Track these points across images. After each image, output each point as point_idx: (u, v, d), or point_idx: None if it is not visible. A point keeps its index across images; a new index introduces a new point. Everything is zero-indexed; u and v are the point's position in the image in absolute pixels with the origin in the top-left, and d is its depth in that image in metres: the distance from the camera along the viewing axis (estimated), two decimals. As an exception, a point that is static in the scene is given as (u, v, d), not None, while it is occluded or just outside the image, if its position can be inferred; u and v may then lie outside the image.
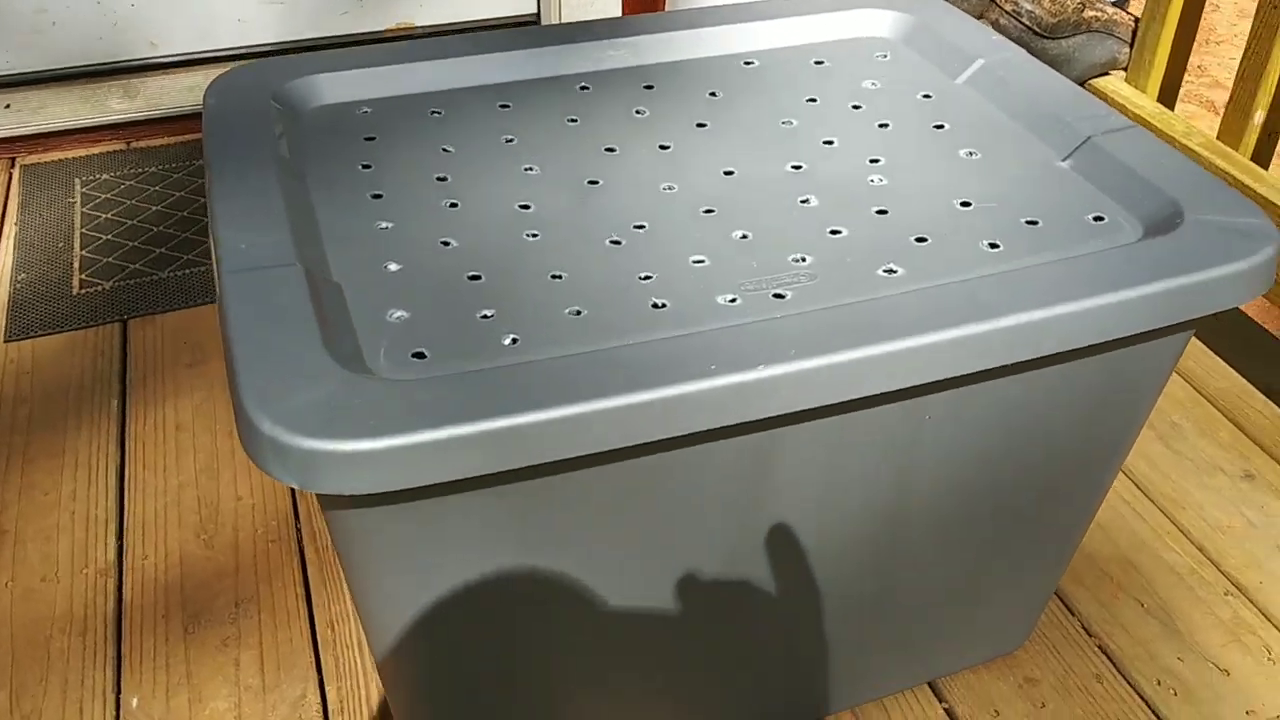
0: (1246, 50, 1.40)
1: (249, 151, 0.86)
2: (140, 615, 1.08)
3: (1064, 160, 0.91)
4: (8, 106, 1.81)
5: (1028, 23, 1.54)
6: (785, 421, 0.71)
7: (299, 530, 1.18)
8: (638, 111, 0.98)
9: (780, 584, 0.85)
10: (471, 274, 0.77)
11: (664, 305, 0.75)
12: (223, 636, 1.07)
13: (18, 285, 1.52)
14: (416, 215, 0.83)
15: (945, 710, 1.02)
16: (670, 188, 0.88)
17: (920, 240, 0.82)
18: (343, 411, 0.61)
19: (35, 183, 1.74)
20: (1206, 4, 1.52)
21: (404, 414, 0.61)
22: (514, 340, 0.71)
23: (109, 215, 1.66)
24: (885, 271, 0.78)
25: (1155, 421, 1.33)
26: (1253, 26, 1.38)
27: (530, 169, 0.89)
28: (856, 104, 0.99)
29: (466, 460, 0.61)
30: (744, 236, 0.83)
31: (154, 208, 1.68)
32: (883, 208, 0.86)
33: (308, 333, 0.67)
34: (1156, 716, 1.01)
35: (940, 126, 0.96)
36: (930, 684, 1.04)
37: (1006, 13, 1.53)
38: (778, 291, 0.76)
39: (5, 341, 1.42)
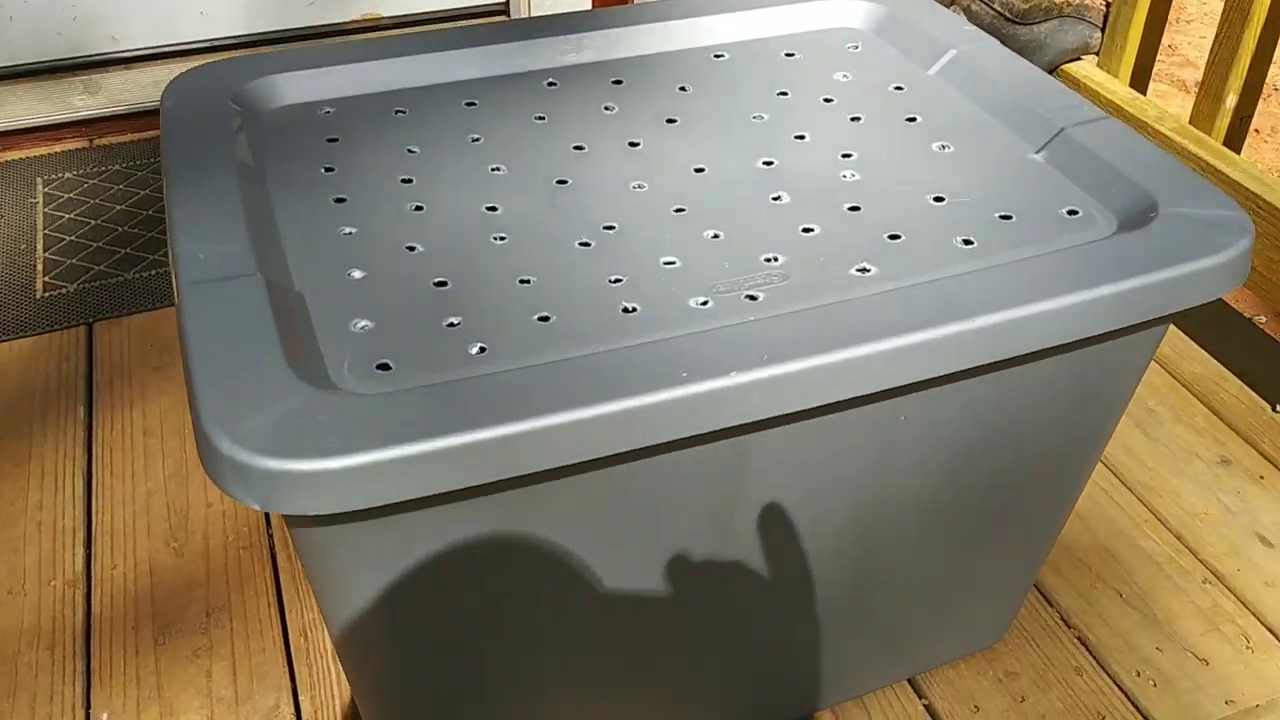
0: (1218, 34, 1.39)
1: (208, 156, 0.84)
2: (110, 627, 1.07)
3: (1037, 153, 0.90)
4: (-34, 105, 1.78)
5: (999, 9, 1.53)
6: (758, 427, 0.70)
7: (270, 536, 1.16)
8: (606, 108, 0.96)
9: (756, 587, 0.84)
10: (438, 280, 0.75)
11: (634, 309, 0.73)
12: (194, 647, 1.05)
13: (-21, 289, 1.50)
14: (381, 220, 0.81)
15: (925, 707, 1.01)
16: (640, 186, 0.87)
17: (893, 238, 0.81)
18: (304, 429, 0.59)
19: (-4, 183, 1.71)
20: (1177, -13, 1.51)
21: (367, 431, 0.60)
22: (481, 349, 0.69)
23: (72, 215, 1.64)
24: (858, 271, 0.77)
25: (1131, 408, 1.33)
26: (1224, 10, 1.38)
27: (497, 169, 0.88)
28: (828, 97, 0.98)
29: (432, 477, 0.60)
30: (715, 236, 0.81)
31: (118, 207, 1.65)
32: (855, 204, 0.84)
33: (268, 347, 0.65)
34: (1136, 708, 1.01)
35: (912, 119, 0.95)
36: (910, 680, 1.03)
37: (979, 0, 1.53)
38: (750, 293, 0.75)
39: (-33, 347, 1.40)
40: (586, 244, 0.80)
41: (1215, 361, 1.40)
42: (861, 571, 0.88)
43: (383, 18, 1.97)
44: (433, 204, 0.83)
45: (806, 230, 0.82)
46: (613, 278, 0.76)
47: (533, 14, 2.00)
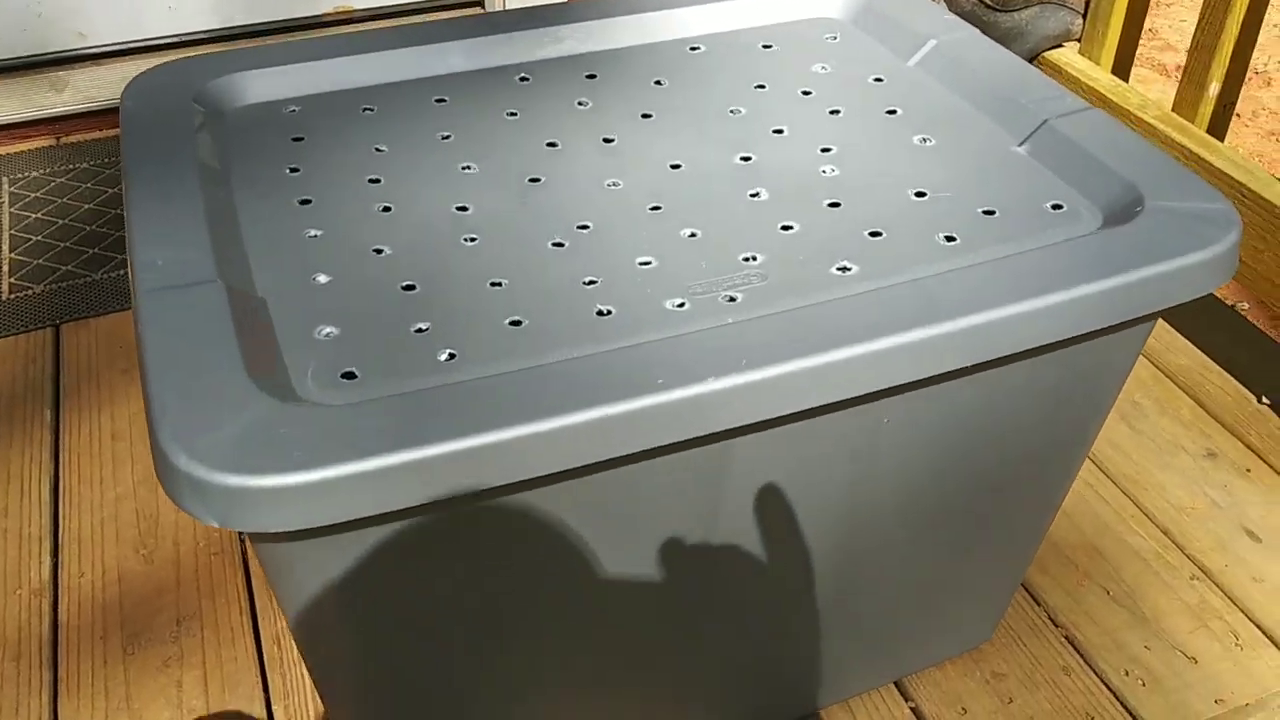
0: (1200, 20, 1.38)
1: (169, 157, 0.81)
2: (77, 636, 1.04)
3: (1020, 145, 0.88)
4: (-70, 102, 1.74)
5: (980, -4, 1.52)
6: (739, 433, 0.68)
7: (243, 542, 1.14)
8: (580, 103, 0.94)
9: (739, 593, 0.83)
10: (405, 284, 0.73)
11: (609, 312, 0.71)
12: (164, 657, 1.03)
13: (-56, 291, 1.47)
14: (347, 221, 0.79)
15: (912, 709, 1.00)
16: (615, 184, 0.84)
17: (874, 235, 0.79)
18: (265, 443, 0.57)
19: (-39, 182, 1.68)
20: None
21: (331, 443, 0.57)
22: (450, 355, 0.67)
23: (39, 215, 1.60)
24: (838, 270, 0.75)
25: (1117, 401, 1.31)
26: (1206, -3, 1.36)
27: (468, 168, 0.85)
28: (806, 90, 0.96)
29: (399, 491, 0.58)
30: (692, 235, 0.79)
31: (86, 206, 1.62)
32: (835, 200, 0.83)
33: (228, 356, 0.63)
34: (1125, 708, 1.00)
35: (893, 112, 0.93)
36: (896, 682, 1.01)
37: (958, -14, 1.50)
38: (728, 294, 0.73)
39: (-68, 351, 1.37)
40: (560, 244, 0.78)
41: (1200, 352, 1.38)
42: (846, 575, 0.87)
43: (355, 10, 1.94)
44: (401, 204, 0.81)
45: (785, 228, 0.80)
46: (587, 279, 0.74)
47: (507, 6, 1.97)
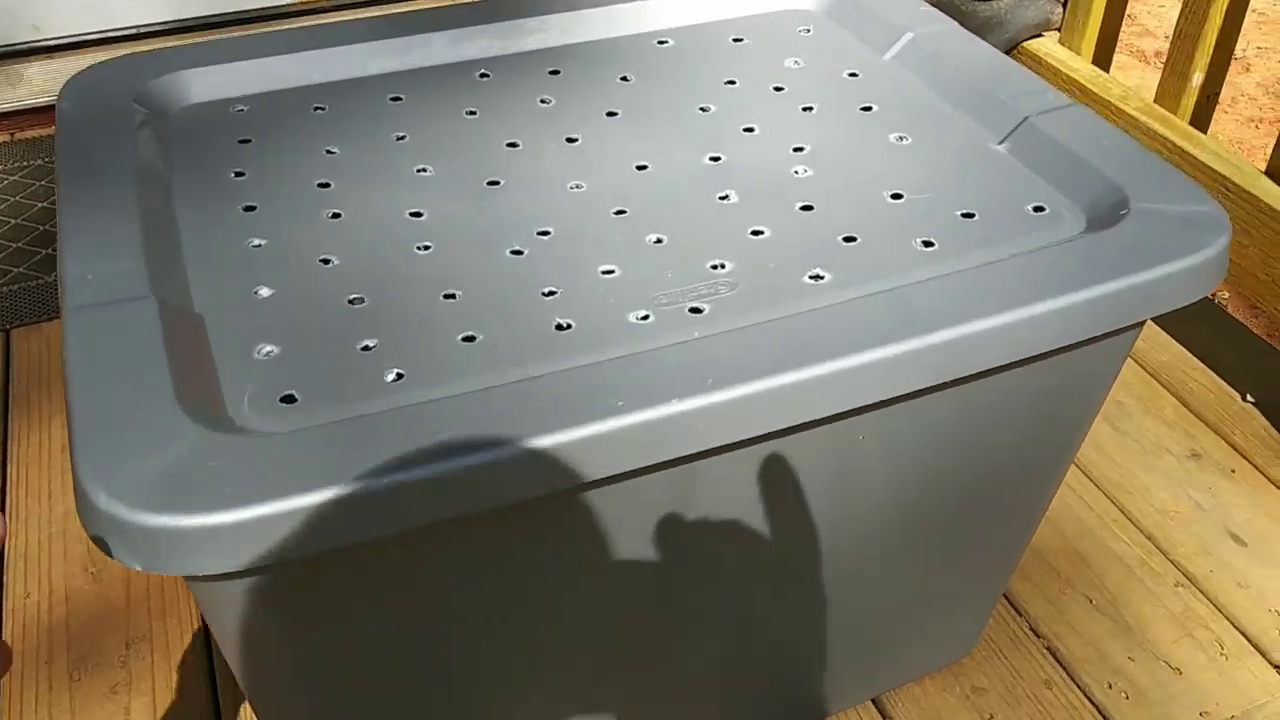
0: (1184, 9, 1.34)
1: (105, 163, 0.77)
2: (21, 661, 1.00)
3: (1000, 143, 0.84)
4: (-122, 97, 1.69)
5: (958, -15, 1.48)
6: (703, 455, 0.64)
7: (199, 557, 1.09)
8: (543, 100, 0.90)
9: (710, 617, 0.79)
10: (353, 297, 0.69)
11: (569, 326, 0.67)
12: (112, 682, 0.98)
13: (-110, 294, 1.41)
14: (293, 229, 0.75)
15: (890, 726, 0.97)
16: (578, 186, 0.81)
17: (848, 240, 0.75)
18: (192, 478, 0.53)
19: (-90, 180, 1.63)
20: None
21: (264, 478, 0.53)
22: (398, 375, 0.63)
23: (-9, 213, 1.55)
24: (811, 278, 0.72)
25: (1099, 401, 1.28)
26: (1189, -15, 1.33)
27: (423, 170, 0.81)
28: (778, 85, 0.92)
29: (339, 528, 0.54)
30: (658, 241, 0.75)
31: (40, 205, 1.57)
32: (808, 203, 0.79)
33: (157, 382, 0.58)
34: (1109, 722, 0.97)
35: (868, 109, 0.89)
36: (874, 700, 0.98)
37: (935, -25, 1.47)
38: (694, 305, 0.69)
39: (-124, 358, 1.32)
40: (518, 252, 0.74)
41: (1182, 348, 1.36)
42: (820, 592, 0.83)
43: (321, 0, 1.88)
44: (351, 210, 0.77)
45: (756, 233, 0.76)
46: (546, 290, 0.70)
47: (476, -6, 1.92)
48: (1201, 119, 1.37)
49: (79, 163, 0.77)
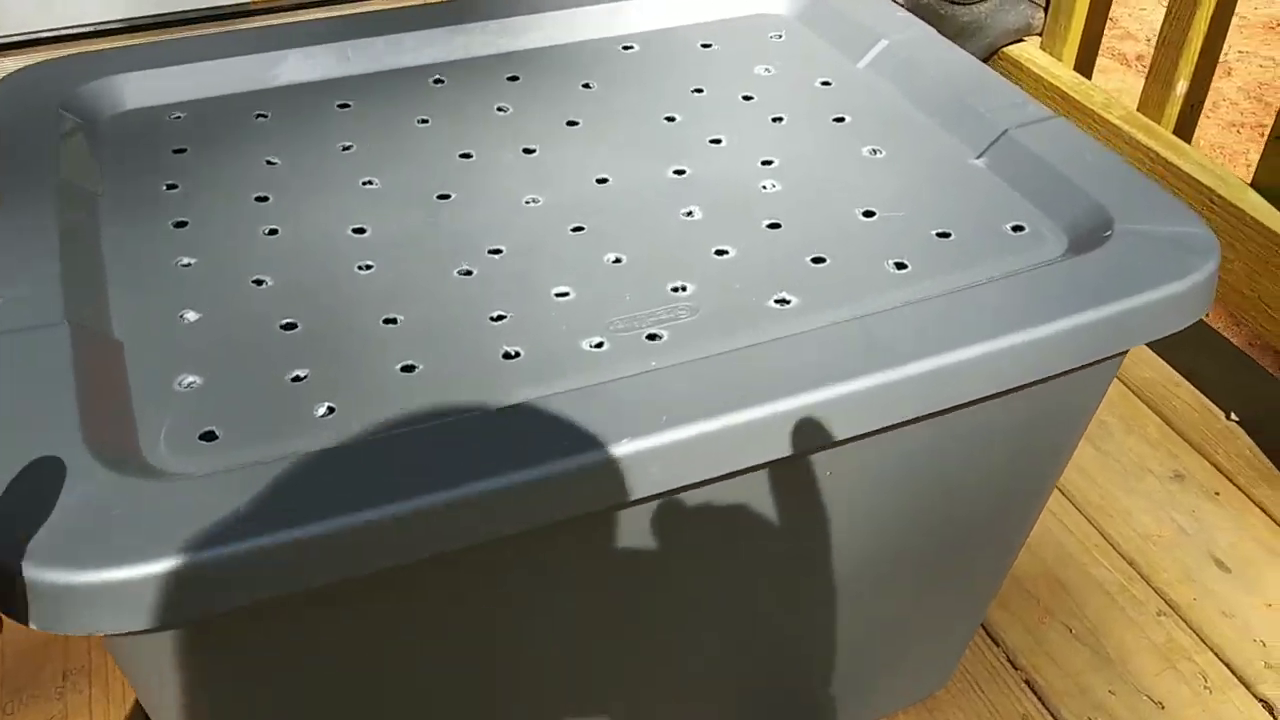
0: (1168, 15, 1.31)
1: (24, 175, 0.72)
2: (-48, 695, 0.95)
3: (978, 158, 0.80)
4: None
5: (937, -11, 1.44)
6: (659, 494, 0.60)
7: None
8: (500, 108, 0.85)
9: (672, 659, 0.75)
10: (285, 321, 0.64)
11: (517, 354, 0.63)
12: (48, 715, 0.93)
13: None
14: (227, 247, 0.70)
15: (862, 764, 0.93)
16: (534, 200, 0.76)
17: (817, 261, 0.71)
18: (93, 529, 0.48)
19: None
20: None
21: (170, 529, 0.49)
22: (329, 410, 0.58)
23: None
24: (776, 302, 0.67)
25: (1079, 419, 1.24)
26: (1174, -9, 1.29)
27: (370, 183, 0.77)
28: (748, 94, 0.88)
29: (253, 582, 0.49)
30: (617, 260, 0.71)
31: (-12, 208, 1.51)
32: (775, 220, 0.75)
33: (63, 419, 0.54)
34: (1089, 759, 0.93)
35: (840, 119, 0.85)
36: (845, 735, 0.94)
37: (914, -22, 1.43)
38: (652, 331, 0.65)
39: None
40: (467, 272, 0.69)
41: (1165, 364, 1.32)
42: (788, 629, 0.79)
43: (284, -2, 1.83)
44: (290, 226, 0.72)
45: (720, 252, 0.72)
46: (495, 314, 0.66)
47: (446, -7, 1.87)
48: (1185, 128, 1.33)
49: (-1, 174, 0.72)
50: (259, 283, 0.67)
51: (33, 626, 0.47)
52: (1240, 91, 2.57)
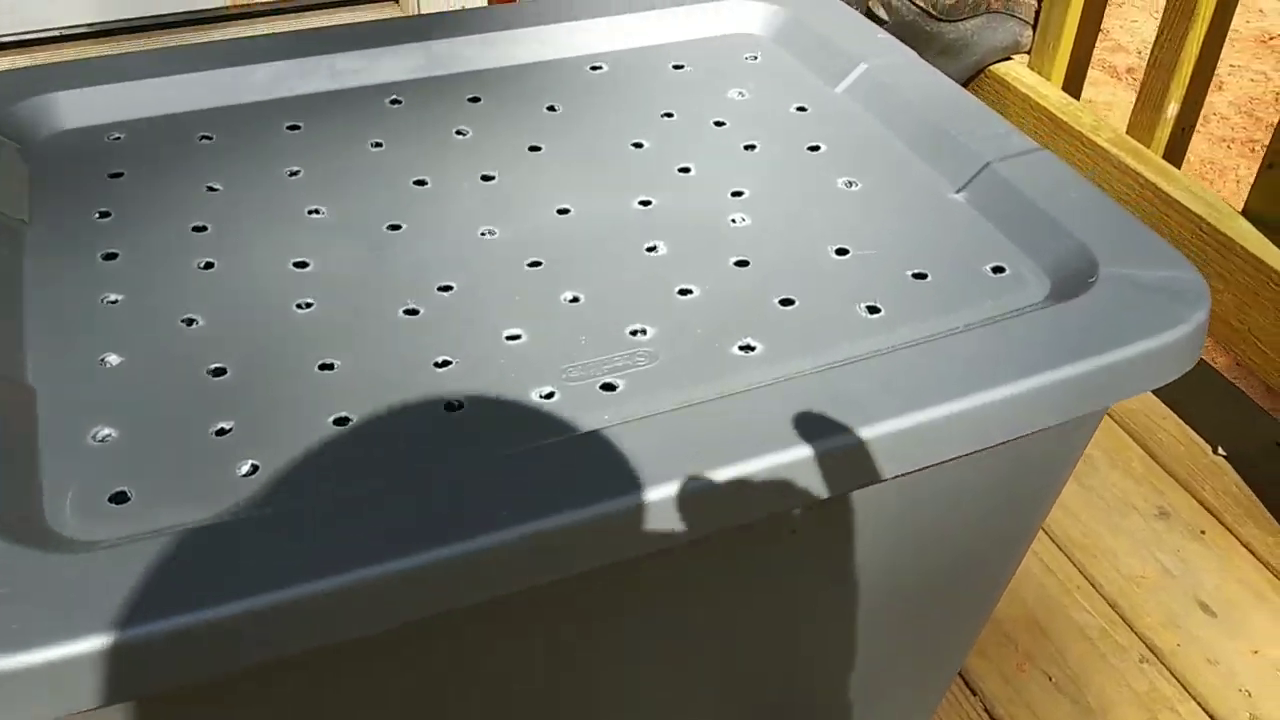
0: (1159, 37, 1.27)
1: (-56, 200, 0.68)
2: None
3: (958, 192, 0.77)
4: None
5: (922, 4, 1.40)
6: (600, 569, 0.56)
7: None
8: (459, 132, 0.81)
9: (625, 714, 0.71)
10: (214, 367, 0.60)
11: (460, 405, 0.59)
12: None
13: None
14: (157, 282, 0.66)
15: (831, 820, 0.89)
16: (490, 232, 0.72)
17: (785, 303, 0.67)
18: (-24, 610, 0.44)
19: None
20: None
21: (69, 608, 0.45)
22: (253, 468, 0.54)
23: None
24: (740, 348, 0.64)
25: (1063, 452, 1.21)
26: (1164, 12, 1.26)
27: (316, 212, 0.73)
28: (719, 120, 0.84)
29: (159, 671, 0.45)
30: (574, 300, 0.67)
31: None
32: (743, 258, 0.71)
33: (-44, 479, 0.50)
34: (1068, 816, 0.89)
35: (815, 148, 0.81)
36: (814, 790, 0.90)
37: (899, -6, 1.39)
38: (608, 381, 0.61)
39: None
40: (413, 311, 0.65)
41: (1151, 396, 1.29)
42: (749, 687, 0.75)
43: (255, 3, 1.79)
44: (228, 259, 0.68)
45: (684, 292, 0.68)
46: (440, 359, 0.62)
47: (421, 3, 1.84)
48: (1176, 152, 1.30)
49: (-81, 199, 0.68)
50: (189, 322, 0.63)
51: (-91, 716, 0.43)
52: (1231, 106, 2.55)
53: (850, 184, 0.77)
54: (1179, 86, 1.27)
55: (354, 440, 0.56)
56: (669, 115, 0.84)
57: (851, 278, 0.69)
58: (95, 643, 0.43)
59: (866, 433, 0.56)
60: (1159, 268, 0.68)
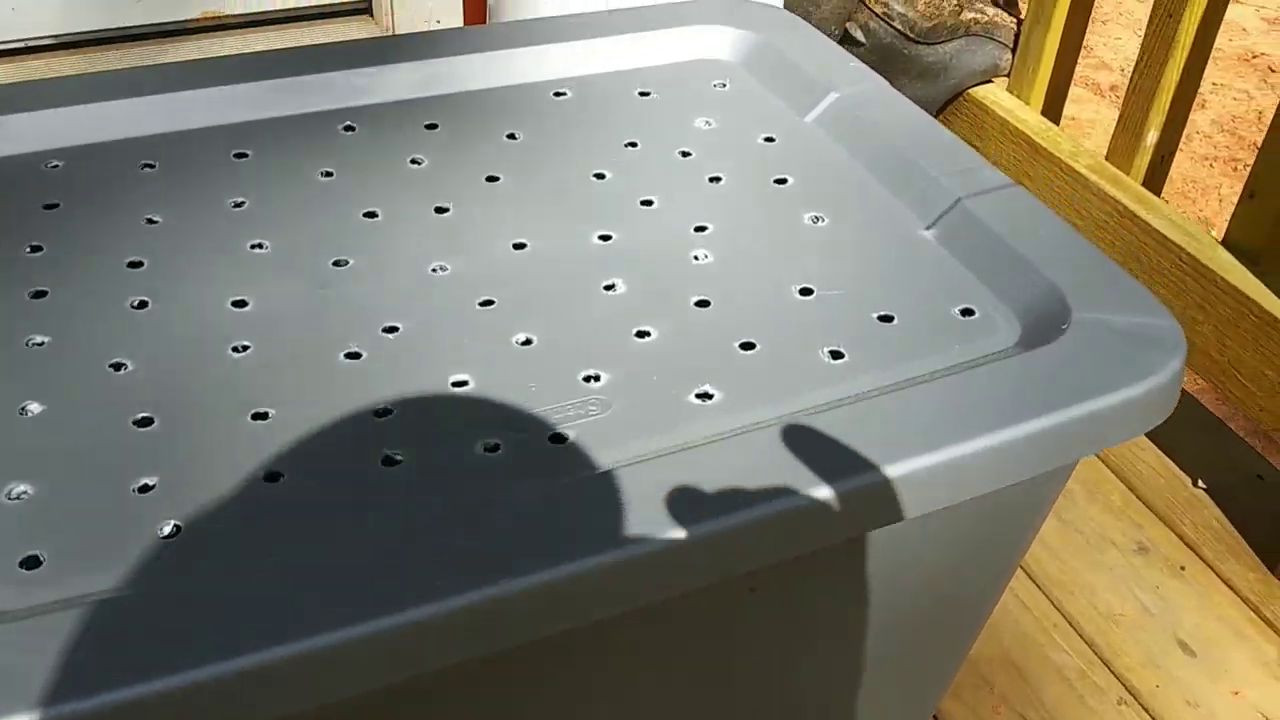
0: (1139, 63, 1.25)
1: None
2: None
3: (928, 229, 0.74)
4: None
5: (900, 27, 1.38)
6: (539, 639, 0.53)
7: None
8: (414, 160, 0.79)
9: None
10: (140, 416, 0.57)
11: (398, 460, 0.56)
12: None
13: None
14: (86, 323, 0.63)
15: None
16: (442, 268, 0.69)
17: (746, 347, 0.64)
18: None
19: None
20: None
21: (-43, 691, 0.42)
22: (175, 529, 0.51)
23: None
24: (698, 396, 0.61)
25: (1040, 484, 1.18)
26: (1144, 38, 1.24)
27: (259, 246, 0.70)
28: (685, 150, 0.81)
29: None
30: (526, 342, 0.64)
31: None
32: (704, 297, 0.68)
33: None
34: None
35: (782, 181, 0.78)
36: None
37: (876, 15, 1.37)
38: (557, 432, 0.58)
39: None
40: (355, 355, 0.62)
41: (1132, 425, 1.26)
42: (713, 742, 0.72)
43: (227, 16, 1.76)
44: (163, 298, 0.65)
45: (641, 334, 0.65)
46: (380, 407, 0.59)
47: (395, 13, 1.81)
48: (1155, 179, 1.28)
49: None
50: (118, 367, 0.60)
51: None
52: (1214, 125, 2.53)
53: (817, 219, 0.75)
54: (1159, 114, 1.25)
55: (285, 497, 0.53)
56: (633, 145, 0.82)
57: (815, 320, 0.66)
58: (-15, 732, 0.40)
59: (825, 493, 0.53)
60: (1133, 313, 0.65)
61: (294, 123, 0.81)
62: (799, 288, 0.69)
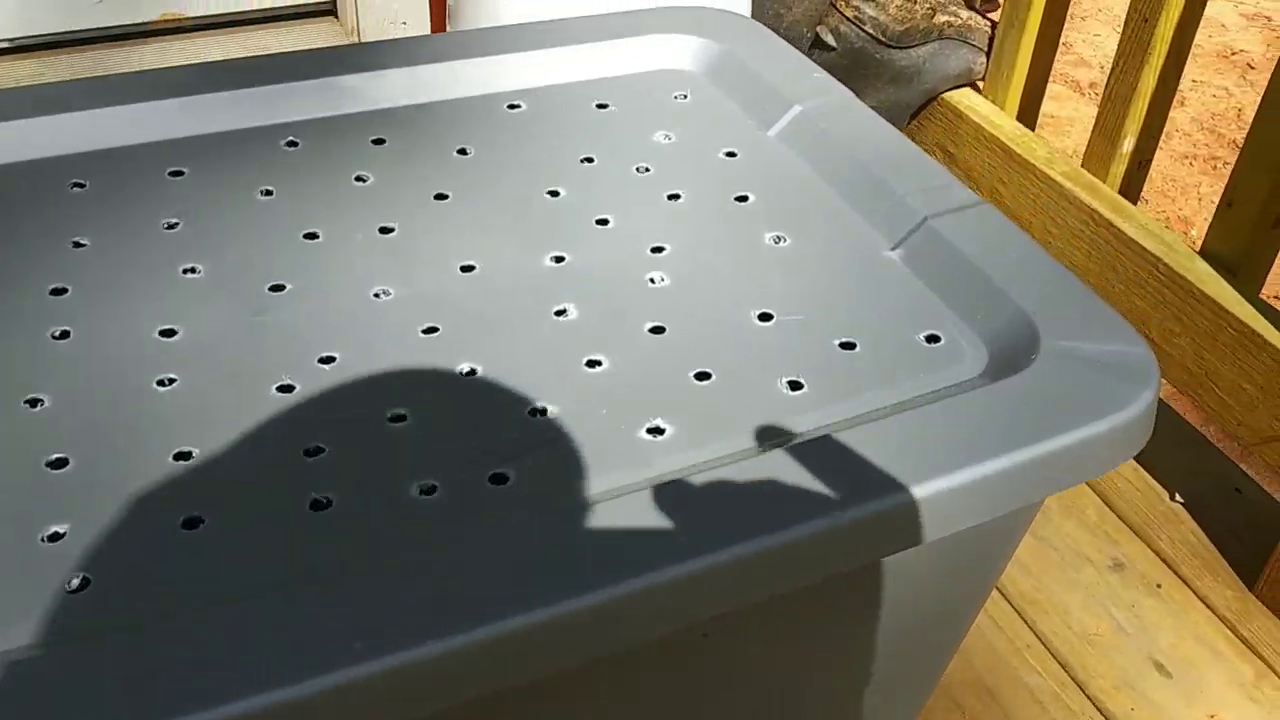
0: (1114, 69, 1.23)
1: None
2: None
3: (894, 249, 0.71)
4: None
5: (871, 31, 1.35)
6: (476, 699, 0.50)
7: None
8: (359, 178, 0.75)
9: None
10: (54, 458, 0.54)
11: (327, 503, 0.53)
12: None
13: None
14: (2, 356, 0.59)
15: None
16: (385, 293, 0.66)
17: (701, 377, 0.61)
18: None
19: None
20: None
21: None
22: (84, 582, 0.48)
23: None
24: (648, 431, 0.58)
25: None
26: (1120, 43, 1.21)
27: (192, 270, 0.66)
28: (643, 165, 0.78)
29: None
30: (471, 372, 0.61)
31: None
32: (659, 323, 0.65)
33: None
34: None
35: (743, 199, 0.76)
36: None
37: (847, 19, 1.34)
38: (498, 471, 0.55)
39: None
40: (288, 388, 0.59)
41: (1108, 438, 1.24)
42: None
43: (186, 19, 1.72)
44: (86, 327, 0.62)
45: (592, 364, 0.62)
46: (311, 446, 0.56)
47: (361, 15, 1.77)
48: (1132, 187, 1.26)
49: None
50: (34, 403, 0.57)
51: None
52: (1194, 122, 2.52)
53: (779, 239, 0.72)
54: (1135, 121, 1.22)
55: (200, 548, 0.50)
56: (589, 160, 0.79)
57: (774, 347, 0.64)
58: None
59: (778, 539, 0.50)
60: (1105, 340, 0.62)
61: (234, 138, 0.78)
62: (758, 313, 0.66)
